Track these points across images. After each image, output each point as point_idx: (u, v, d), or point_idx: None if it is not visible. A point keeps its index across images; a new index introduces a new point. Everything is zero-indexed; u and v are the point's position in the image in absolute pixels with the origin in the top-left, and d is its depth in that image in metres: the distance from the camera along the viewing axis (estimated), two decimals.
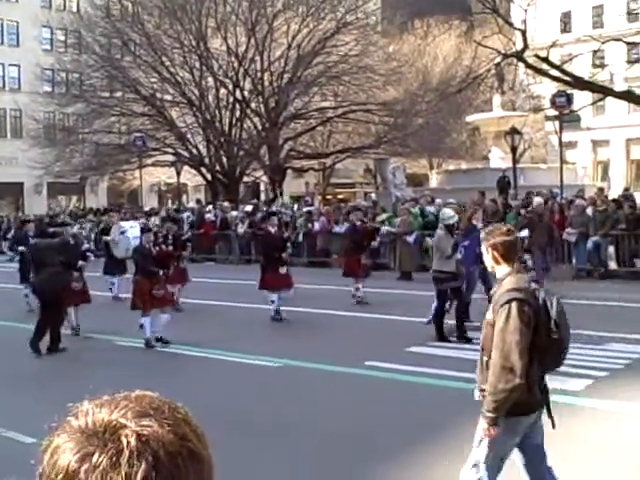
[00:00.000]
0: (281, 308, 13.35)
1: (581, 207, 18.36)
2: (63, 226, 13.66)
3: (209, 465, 1.03)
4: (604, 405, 7.64)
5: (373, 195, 29.78)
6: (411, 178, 38.85)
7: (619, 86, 38.94)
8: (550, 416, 4.54)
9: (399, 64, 37.34)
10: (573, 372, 8.82)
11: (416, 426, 7.30)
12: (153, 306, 11.52)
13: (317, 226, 22.69)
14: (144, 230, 13.27)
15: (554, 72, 25.17)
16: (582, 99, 31.37)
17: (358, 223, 15.70)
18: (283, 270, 13.50)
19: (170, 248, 12.98)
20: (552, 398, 7.86)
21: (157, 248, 12.21)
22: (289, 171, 39.41)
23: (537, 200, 17.96)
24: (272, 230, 13.96)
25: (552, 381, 8.45)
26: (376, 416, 7.72)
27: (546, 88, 34.68)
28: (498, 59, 26.78)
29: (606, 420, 7.24)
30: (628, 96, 27.23)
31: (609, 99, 34.92)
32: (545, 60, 24.37)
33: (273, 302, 13.39)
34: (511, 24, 27.53)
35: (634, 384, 8.37)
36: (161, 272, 11.84)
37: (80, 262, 12.70)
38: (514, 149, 22.39)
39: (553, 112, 22.06)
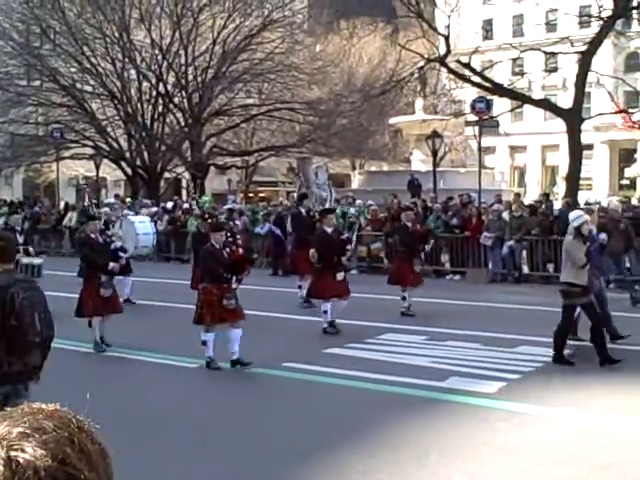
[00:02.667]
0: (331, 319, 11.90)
1: (498, 212, 18.80)
2: (91, 220, 11.92)
3: None
4: (517, 407, 7.83)
5: (295, 195, 29.77)
6: (333, 178, 39.05)
7: (537, 94, 40.09)
8: None
9: (324, 64, 37.47)
10: (487, 374, 9.04)
11: (331, 427, 7.32)
12: (222, 320, 9.62)
13: (239, 224, 22.54)
14: (218, 228, 10.46)
15: (475, 78, 25.75)
16: (501, 105, 32.16)
17: (409, 224, 13.83)
18: (340, 276, 11.91)
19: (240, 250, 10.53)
20: (466, 400, 8.08)
21: (228, 250, 10.09)
22: (212, 168, 39.06)
23: (613, 203, 17.02)
24: (329, 230, 12.18)
25: (466, 383, 8.69)
26: (291, 417, 7.72)
27: (467, 93, 35.39)
28: (421, 63, 27.23)
29: (519, 422, 7.41)
30: (545, 104, 28.07)
31: (527, 106, 35.94)
32: (467, 66, 24.90)
33: (326, 313, 11.77)
34: (435, 29, 28.00)
35: (545, 386, 8.60)
36: (234, 279, 9.82)
37: (111, 264, 10.99)
38: (435, 152, 22.80)
39: (473, 117, 22.50)
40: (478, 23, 54.21)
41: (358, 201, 22.03)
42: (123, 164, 36.39)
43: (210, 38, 34.85)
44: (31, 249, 14.30)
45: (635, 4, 25.55)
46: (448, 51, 24.69)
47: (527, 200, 25.33)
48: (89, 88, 35.87)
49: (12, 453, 0.94)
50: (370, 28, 48.96)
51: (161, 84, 35.13)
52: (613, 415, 7.52)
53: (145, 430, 7.19)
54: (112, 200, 29.86)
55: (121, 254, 11.79)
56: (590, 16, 30.35)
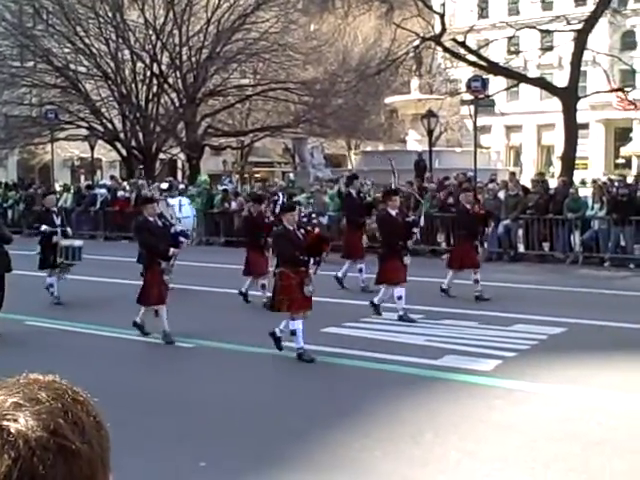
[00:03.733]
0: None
1: (494, 191, 18.80)
2: (148, 202, 10.88)
3: (88, 459, 0.98)
4: (513, 385, 7.87)
5: (291, 175, 29.76)
6: (329, 159, 39.00)
7: (532, 73, 40.01)
8: None
9: (319, 43, 37.22)
10: (482, 352, 9.08)
11: (327, 406, 7.35)
12: (303, 307, 9.09)
13: (234, 205, 22.52)
14: (291, 208, 9.87)
15: (471, 57, 25.65)
16: (497, 85, 32.06)
17: (468, 206, 13.26)
18: (407, 261, 11.26)
19: (317, 230, 9.80)
20: (462, 378, 8.12)
21: (302, 231, 9.52)
22: (207, 149, 38.93)
23: None
24: (393, 212, 11.45)
25: (462, 362, 8.73)
26: (287, 396, 7.75)
27: (463, 72, 35.23)
28: (417, 42, 27.08)
29: (515, 399, 7.45)
30: (540, 83, 28.01)
31: (522, 85, 35.83)
32: (462, 45, 24.79)
33: (400, 299, 11.13)
34: (430, 7, 27.88)
35: (541, 364, 8.64)
36: (312, 261, 9.22)
37: (172, 249, 10.38)
38: (430, 132, 22.74)
39: (469, 96, 22.43)
40: (474, 1, 53.94)
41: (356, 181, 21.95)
42: (118, 145, 36.23)
43: (204, 18, 34.58)
44: (69, 230, 13.47)
45: None
46: (443, 30, 24.58)
47: (523, 179, 25.33)
48: (83, 69, 35.62)
49: (4, 423, 0.95)
50: (365, 7, 48.62)
51: (155, 64, 34.89)
52: (609, 392, 7.57)
53: (140, 408, 7.22)
54: (108, 182, 29.82)
55: (182, 239, 11.08)
56: None
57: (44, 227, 12.88)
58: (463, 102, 25.65)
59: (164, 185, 26.18)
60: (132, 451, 5.46)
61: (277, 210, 20.49)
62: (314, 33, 39.67)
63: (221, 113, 38.39)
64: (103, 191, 26.87)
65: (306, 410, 7.24)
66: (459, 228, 13.57)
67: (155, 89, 35.79)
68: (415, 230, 11.81)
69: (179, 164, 45.13)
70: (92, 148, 32.01)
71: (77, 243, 13.30)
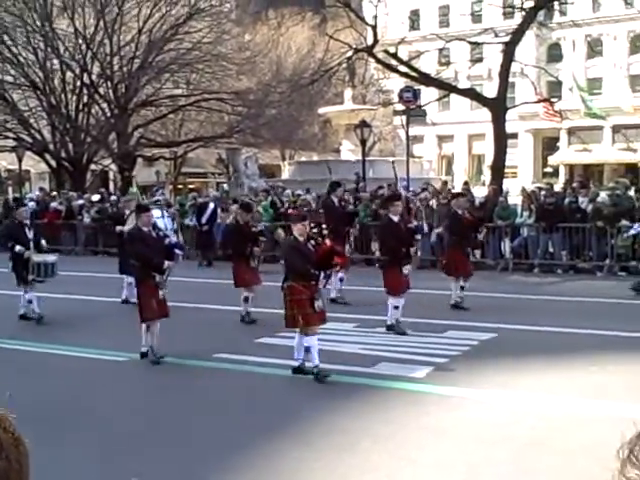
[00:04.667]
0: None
1: (426, 200, 19.04)
2: (143, 211, 9.98)
3: (6, 476, 0.98)
4: (446, 391, 7.96)
5: (225, 185, 29.60)
6: (263, 169, 38.95)
7: (463, 84, 40.74)
8: None
9: (253, 54, 37.26)
10: (416, 359, 9.17)
11: (264, 417, 7.32)
12: (315, 322, 8.68)
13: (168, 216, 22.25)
14: (302, 218, 9.27)
15: (402, 68, 25.97)
16: (429, 95, 32.54)
17: (460, 212, 12.97)
18: (407, 270, 10.84)
19: (327, 242, 9.24)
20: (396, 385, 8.19)
21: (313, 242, 9.01)
22: (139, 159, 38.45)
23: None
24: (395, 219, 10.97)
25: (395, 369, 8.80)
26: (223, 408, 7.68)
27: (396, 83, 35.72)
28: (349, 53, 27.31)
29: (448, 405, 7.55)
30: (470, 93, 28.50)
31: (453, 96, 36.49)
32: (393, 56, 25.09)
33: (397, 309, 10.78)
34: (362, 19, 28.10)
35: (472, 369, 8.77)
36: (322, 276, 8.85)
37: (166, 262, 9.54)
38: (363, 142, 22.93)
39: (401, 107, 22.71)
40: (406, 13, 54.74)
41: (287, 191, 22.03)
42: (47, 156, 35.51)
43: (136, 27, 34.23)
44: (44, 242, 12.80)
45: None
46: (375, 41, 24.83)
47: (455, 188, 25.73)
48: (10, 78, 34.83)
49: None
50: (298, 18, 48.92)
51: (85, 74, 34.34)
52: (540, 395, 7.72)
53: (69, 424, 7.06)
54: (37, 194, 29.15)
55: (177, 251, 10.18)
56: (513, 7, 30.94)
57: (18, 248, 12.21)
58: (395, 112, 25.94)
59: (95, 197, 25.77)
60: (61, 467, 5.34)
61: (204, 220, 20.25)
62: (247, 44, 39.67)
63: (154, 123, 38.01)
64: (32, 204, 26.23)
65: (245, 421, 7.20)
66: (451, 235, 13.23)
67: (86, 99, 35.22)
68: (418, 237, 11.48)
69: (111, 175, 44.45)
70: (20, 159, 31.27)
71: (51, 258, 12.48)
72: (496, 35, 25.81)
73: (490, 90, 33.61)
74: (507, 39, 24.36)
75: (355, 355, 9.48)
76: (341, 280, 13.60)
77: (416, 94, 22.37)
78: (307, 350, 8.60)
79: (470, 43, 28.34)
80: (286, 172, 34.86)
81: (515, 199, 20.07)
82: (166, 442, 6.64)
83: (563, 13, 46.61)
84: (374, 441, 6.53)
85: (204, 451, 6.35)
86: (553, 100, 29.86)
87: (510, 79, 25.22)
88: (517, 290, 14.68)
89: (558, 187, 22.77)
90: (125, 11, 34.06)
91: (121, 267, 13.90)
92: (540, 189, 20.42)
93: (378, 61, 26.68)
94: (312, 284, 8.60)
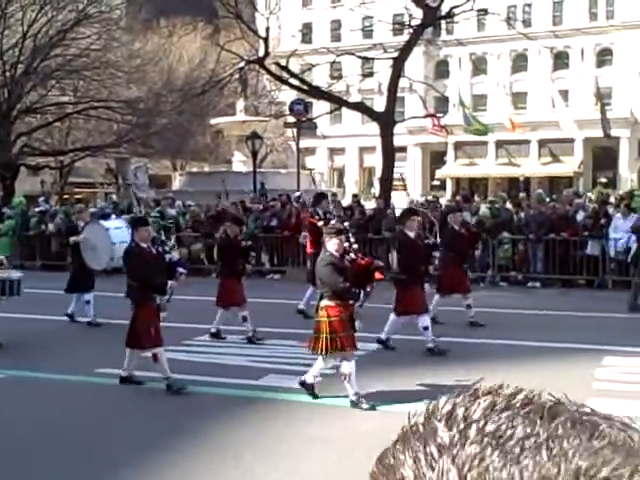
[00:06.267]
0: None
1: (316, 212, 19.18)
2: (141, 224, 9.22)
3: None
4: (332, 401, 8.03)
5: (114, 196, 28.98)
6: (154, 179, 38.36)
7: (354, 97, 41.41)
8: None
9: (143, 62, 36.67)
10: (303, 370, 9.19)
11: (150, 432, 7.18)
12: (355, 344, 8.15)
13: (51, 227, 21.58)
14: (338, 231, 8.37)
15: (293, 80, 26.18)
16: (322, 108, 32.93)
17: (457, 227, 12.43)
18: (428, 288, 10.44)
19: (365, 259, 8.58)
20: (283, 397, 8.20)
21: (349, 257, 8.28)
22: (23, 168, 37.08)
23: None
24: (411, 234, 10.46)
25: (282, 380, 8.81)
26: (109, 424, 7.49)
27: (288, 95, 35.90)
28: (241, 64, 27.31)
29: (334, 414, 7.61)
30: (360, 107, 29.02)
31: (345, 109, 37.01)
32: (284, 68, 25.27)
33: (427, 329, 10.20)
34: (254, 31, 28.16)
35: (360, 379, 8.86)
36: (362, 294, 8.22)
37: (170, 282, 8.77)
38: (254, 153, 22.94)
39: (292, 119, 22.87)
40: (298, 26, 55.23)
41: (178, 202, 21.77)
42: None
43: (20, 32, 33.07)
44: (3, 259, 11.81)
45: (443, 14, 27.01)
46: (267, 53, 24.94)
47: (345, 201, 26.10)
48: None
49: None
50: (190, 27, 48.54)
51: None
52: (426, 401, 7.86)
53: None
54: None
55: (180, 270, 9.13)
56: (402, 24, 31.72)
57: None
58: (286, 125, 26.09)
59: None
60: None
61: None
62: (138, 51, 39.00)
63: (39, 131, 36.78)
64: None
65: (127, 437, 7.03)
66: (447, 250, 12.39)
67: None
68: (436, 254, 10.80)
69: None
70: None
71: (15, 275, 11.46)
72: (385, 51, 26.39)
73: (380, 104, 34.28)
74: (395, 55, 24.95)
75: (243, 368, 9.44)
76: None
77: (307, 107, 22.61)
78: (347, 378, 7.95)
79: (359, 57, 28.87)
80: (177, 183, 34.43)
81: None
82: (57, 463, 6.41)
83: (450, 32, 48.26)
84: (257, 453, 6.52)
85: (85, 469, 6.16)
86: (439, 115, 30.74)
87: (399, 94, 25.85)
88: None
89: (444, 200, 23.43)
90: (9, 14, 32.88)
91: (72, 283, 13.07)
92: (427, 202, 20.98)
93: (269, 73, 26.80)
94: (350, 303, 8.05)
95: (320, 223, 13.19)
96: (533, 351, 10.27)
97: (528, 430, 0.59)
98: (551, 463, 0.57)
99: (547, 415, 0.61)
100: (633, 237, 15.05)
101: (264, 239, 19.27)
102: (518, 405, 0.62)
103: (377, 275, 8.33)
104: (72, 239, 13.20)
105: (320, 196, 14.38)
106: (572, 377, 8.85)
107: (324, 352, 7.89)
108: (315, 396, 8.14)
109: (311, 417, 7.54)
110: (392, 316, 10.42)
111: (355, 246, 8.57)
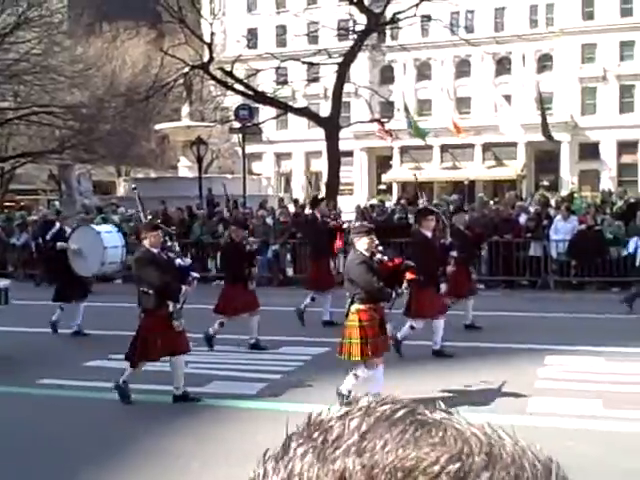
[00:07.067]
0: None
1: (262, 217, 19.19)
2: (153, 229, 8.73)
3: None
4: (279, 406, 8.01)
5: (57, 203, 28.46)
6: (98, 186, 37.84)
7: (301, 102, 41.52)
8: None
9: (86, 67, 36.16)
10: (249, 377, 9.18)
11: (91, 443, 7.05)
12: (384, 349, 7.82)
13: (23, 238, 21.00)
14: (368, 231, 8.15)
15: (239, 86, 26.13)
16: (267, 113, 32.86)
17: (462, 227, 12.00)
18: (444, 289, 10.14)
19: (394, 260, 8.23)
20: (229, 404, 8.15)
21: (377, 258, 7.90)
22: None
23: None
24: (428, 234, 10.17)
25: (228, 387, 8.76)
26: (49, 434, 7.34)
27: (234, 100, 35.79)
28: (186, 69, 27.13)
29: (282, 420, 7.56)
30: (305, 112, 29.10)
31: (291, 115, 37.04)
32: (229, 74, 25.19)
33: (413, 329, 10.05)
34: (198, 36, 28.02)
35: (306, 384, 8.89)
36: (394, 295, 7.79)
37: (184, 288, 8.34)
38: (200, 159, 22.78)
39: (237, 124, 22.81)
40: (243, 32, 55.11)
41: (121, 208, 21.50)
42: None
43: None
44: None
45: (387, 20, 27.27)
46: (211, 58, 24.85)
47: (292, 206, 26.09)
48: None
49: None
50: (133, 32, 48.02)
51: None
52: None
53: None
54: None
55: (193, 274, 8.70)
56: (347, 30, 31.90)
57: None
58: (232, 130, 26.00)
59: None
60: None
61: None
62: (80, 56, 38.47)
63: None
64: None
65: (68, 447, 6.90)
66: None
67: None
68: (453, 254, 10.49)
69: None
70: None
71: (2, 284, 11.21)
72: (330, 56, 26.52)
73: (327, 109, 34.38)
74: (339, 60, 25.09)
75: (189, 374, 9.33)
76: (313, 300, 12.99)
77: (252, 112, 22.54)
78: (356, 377, 7.66)
79: (304, 63, 28.96)
80: (121, 189, 33.99)
81: (350, 216, 20.60)
82: None
83: (394, 37, 48.71)
84: (204, 462, 6.45)
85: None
86: (384, 120, 30.99)
87: (345, 99, 26.02)
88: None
89: (389, 204, 23.61)
90: None
91: (61, 292, 12.52)
92: (372, 206, 21.12)
93: (214, 78, 26.70)
94: (380, 306, 7.70)
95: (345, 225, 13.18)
96: (477, 352, 10.40)
97: (346, 431, 0.61)
98: (362, 458, 0.58)
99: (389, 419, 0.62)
100: (634, 240, 14.97)
101: (211, 245, 19.15)
102: (378, 415, 0.62)
103: (409, 275, 8.01)
104: (59, 244, 12.60)
105: (317, 199, 14.17)
106: (515, 377, 9.01)
107: (360, 357, 7.53)
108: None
109: (260, 423, 7.49)
110: (409, 322, 10.07)
111: (380, 247, 8.19)
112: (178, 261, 8.72)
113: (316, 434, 0.62)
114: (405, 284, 7.95)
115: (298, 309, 12.70)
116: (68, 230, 12.94)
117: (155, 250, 8.53)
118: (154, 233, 8.58)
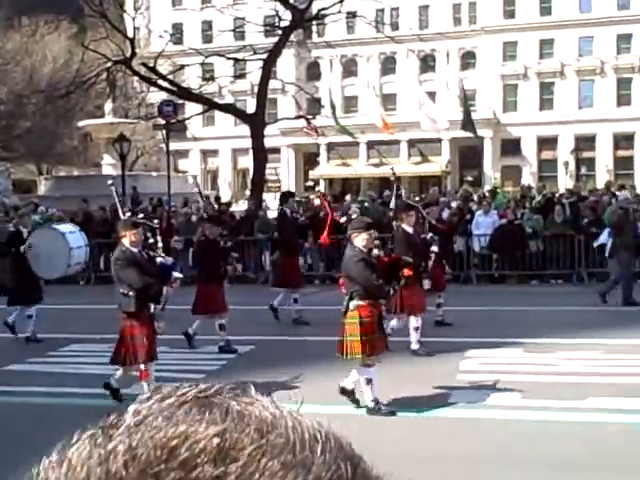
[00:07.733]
0: None
1: (187, 215, 18.99)
2: (132, 227, 8.13)
3: None
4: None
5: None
6: (18, 184, 36.82)
7: (228, 99, 41.26)
8: None
9: (4, 62, 35.17)
10: (171, 377, 9.06)
11: (23, 451, 6.85)
12: (382, 348, 7.62)
13: None
14: (369, 226, 7.87)
15: (163, 82, 25.78)
16: (193, 109, 32.56)
17: (433, 221, 11.80)
18: (427, 285, 9.93)
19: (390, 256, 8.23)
20: None
21: (374, 253, 7.74)
22: None
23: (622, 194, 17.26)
24: (410, 230, 10.22)
25: (148, 388, 8.61)
26: None
27: (159, 96, 35.30)
28: (108, 65, 26.61)
29: None
30: (230, 109, 28.93)
31: (217, 111, 36.74)
32: (152, 69, 24.83)
33: (417, 330, 9.99)
34: (120, 30, 27.51)
35: (230, 383, 8.81)
36: (391, 291, 7.77)
37: (165, 288, 7.98)
38: (123, 156, 22.37)
39: (162, 121, 22.49)
40: (168, 27, 54.39)
41: (41, 207, 20.97)
42: None
43: None
44: None
45: (312, 16, 27.31)
46: (133, 54, 24.44)
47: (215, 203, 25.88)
48: None
49: None
50: (54, 26, 46.84)
51: None
52: (307, 406, 7.88)
53: None
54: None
55: (176, 274, 8.34)
56: (272, 25, 31.79)
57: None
58: (155, 127, 25.64)
59: None
60: None
61: None
62: None
63: None
64: None
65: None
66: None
67: None
68: (434, 249, 10.43)
69: None
70: None
71: None
72: (255, 52, 26.40)
73: (253, 105, 34.25)
74: (264, 57, 25.02)
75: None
76: (295, 301, 12.80)
77: (177, 108, 22.26)
78: (369, 382, 7.42)
79: (229, 59, 28.74)
80: (42, 188, 33.14)
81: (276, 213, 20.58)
82: None
83: (320, 34, 48.85)
84: None
85: None
86: (309, 117, 31.04)
87: (272, 95, 25.97)
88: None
89: (317, 200, 23.62)
90: None
91: (19, 295, 11.89)
92: (300, 203, 21.10)
93: (136, 74, 26.28)
94: (379, 303, 7.61)
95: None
96: (401, 346, 10.52)
97: (127, 417, 0.60)
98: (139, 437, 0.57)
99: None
100: (605, 233, 15.26)
101: None
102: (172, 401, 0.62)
103: (406, 271, 7.93)
104: (23, 248, 11.66)
105: (287, 194, 14.08)
106: (437, 370, 9.16)
107: (360, 355, 7.39)
108: (357, 403, 7.64)
109: None
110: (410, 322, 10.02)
111: (377, 242, 8.16)
112: (160, 260, 8.33)
113: (101, 423, 0.60)
114: (403, 281, 7.99)
115: (271, 305, 12.80)
116: (25, 231, 12.22)
117: (135, 249, 8.06)
118: (134, 231, 8.03)
